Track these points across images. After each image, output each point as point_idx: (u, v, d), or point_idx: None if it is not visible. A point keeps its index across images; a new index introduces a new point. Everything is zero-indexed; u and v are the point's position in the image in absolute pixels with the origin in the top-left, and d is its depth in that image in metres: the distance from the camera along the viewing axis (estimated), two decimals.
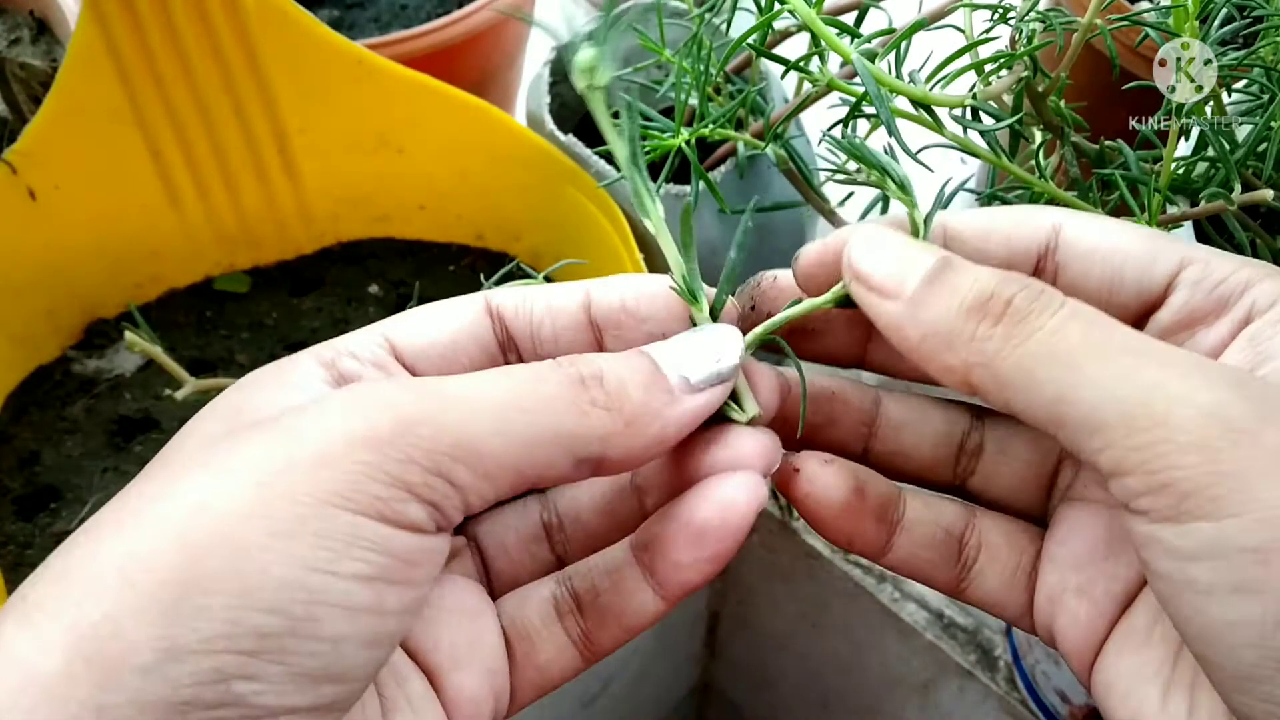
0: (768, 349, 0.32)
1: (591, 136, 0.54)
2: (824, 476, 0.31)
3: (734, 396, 0.30)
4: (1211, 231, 0.43)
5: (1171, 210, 0.40)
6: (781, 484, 0.31)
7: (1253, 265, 0.28)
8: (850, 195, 0.50)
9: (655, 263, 0.51)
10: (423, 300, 0.58)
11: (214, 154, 0.57)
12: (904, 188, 0.30)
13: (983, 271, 0.27)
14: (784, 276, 0.32)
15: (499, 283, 0.44)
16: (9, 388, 0.55)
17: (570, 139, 0.54)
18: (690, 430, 0.28)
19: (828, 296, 0.30)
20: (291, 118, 0.57)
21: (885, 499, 0.32)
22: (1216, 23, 0.39)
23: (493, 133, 0.57)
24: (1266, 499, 0.22)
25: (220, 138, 0.56)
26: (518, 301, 0.31)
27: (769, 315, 0.32)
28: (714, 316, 0.31)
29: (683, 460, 0.30)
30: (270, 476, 0.23)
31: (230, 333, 0.60)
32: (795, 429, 0.32)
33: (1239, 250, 0.41)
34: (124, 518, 0.24)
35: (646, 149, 0.42)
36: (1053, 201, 0.41)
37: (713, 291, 0.31)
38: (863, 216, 0.46)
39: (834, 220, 0.47)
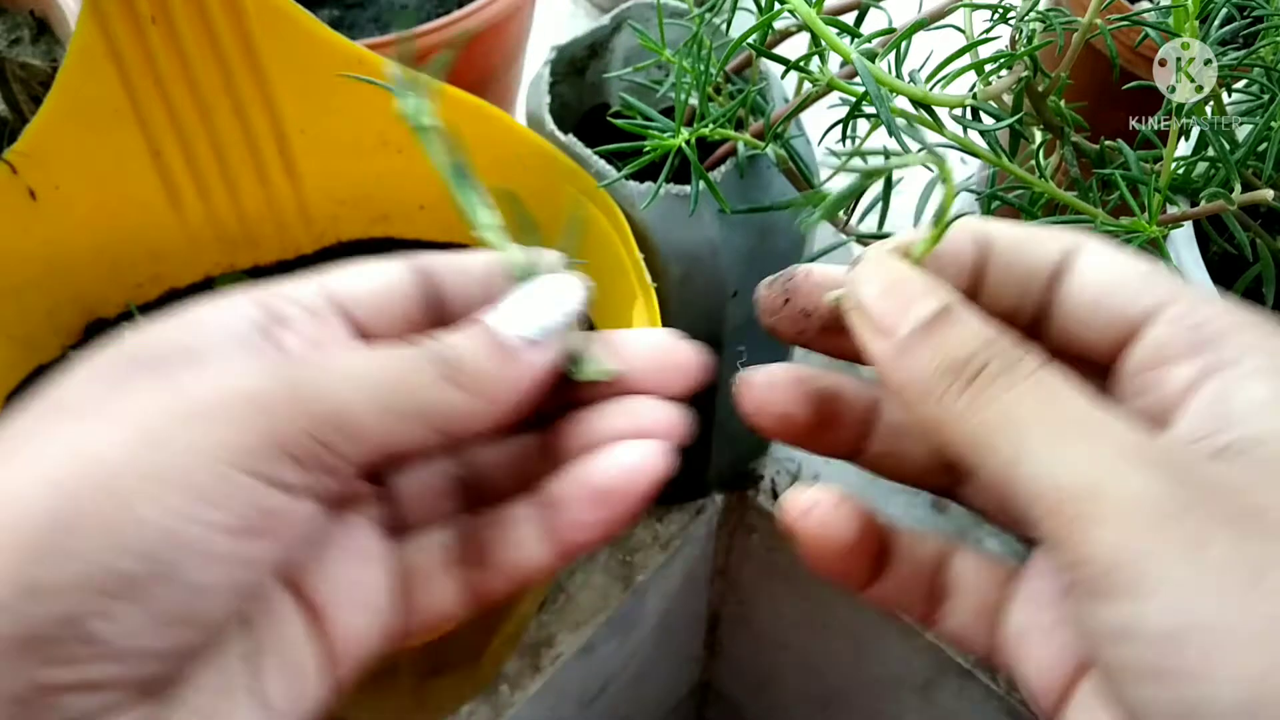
0: (779, 340, 0.32)
1: (591, 136, 0.54)
2: (838, 518, 0.31)
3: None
4: (1212, 232, 0.43)
5: (1171, 210, 0.40)
6: (791, 518, 0.31)
7: (1237, 314, 0.28)
8: None
9: (654, 263, 0.51)
10: None
11: (214, 154, 0.57)
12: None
13: (972, 331, 0.28)
14: (819, 270, 0.32)
15: None
16: (9, 388, 0.55)
17: (570, 139, 0.54)
18: (541, 379, 0.30)
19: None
20: (291, 118, 0.57)
21: (882, 541, 0.32)
22: (1216, 23, 0.39)
23: (493, 133, 0.57)
24: (1180, 579, 0.23)
25: (220, 138, 0.56)
26: (448, 260, 0.33)
27: (803, 311, 0.32)
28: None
29: (578, 427, 0.31)
30: (152, 425, 0.24)
31: None
32: (832, 436, 0.33)
33: (1239, 250, 0.41)
34: (3, 454, 0.24)
35: (647, 149, 0.43)
36: (1052, 202, 0.41)
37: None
38: (863, 217, 0.46)
39: (834, 220, 0.47)
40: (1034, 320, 0.31)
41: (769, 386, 0.32)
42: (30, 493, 0.23)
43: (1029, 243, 0.31)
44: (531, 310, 0.30)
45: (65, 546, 0.23)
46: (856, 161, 0.27)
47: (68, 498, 0.23)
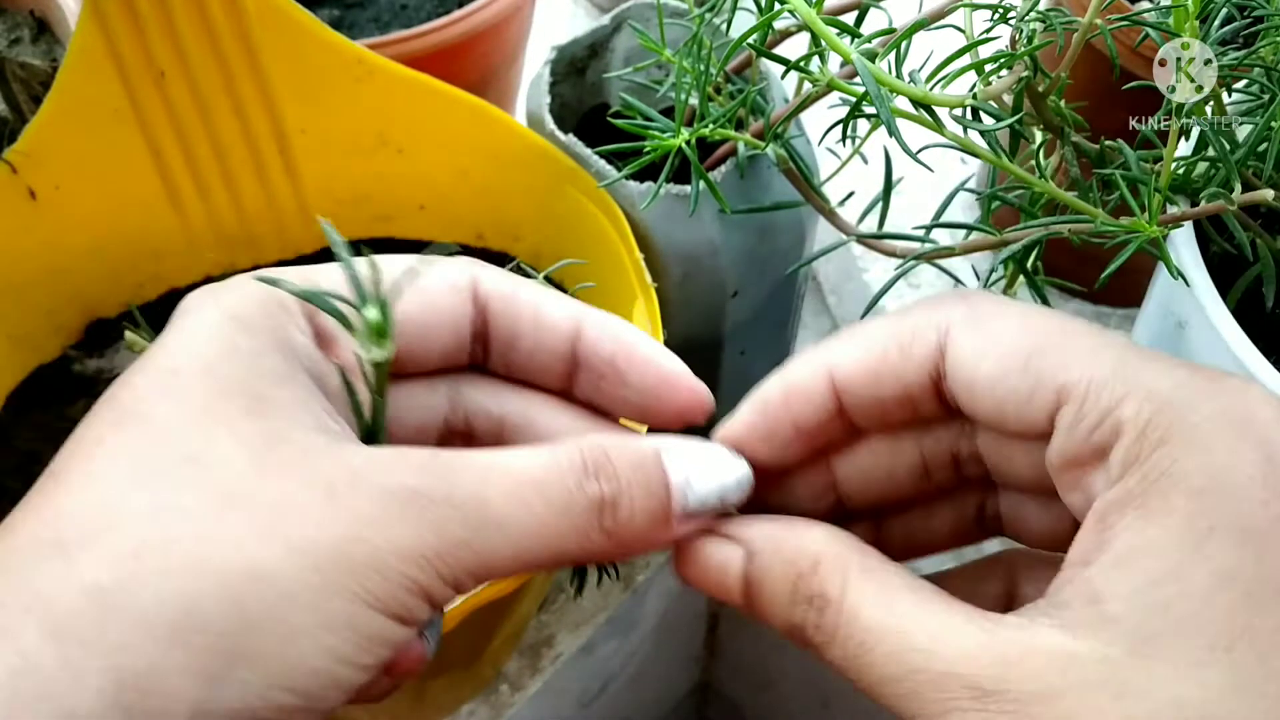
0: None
1: (591, 136, 0.54)
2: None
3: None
4: (1212, 232, 0.43)
5: (1172, 210, 0.40)
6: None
7: (1134, 397, 0.26)
8: (851, 195, 0.50)
9: (654, 263, 0.51)
10: None
11: (214, 154, 0.57)
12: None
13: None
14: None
15: None
16: (9, 388, 0.55)
17: (570, 139, 0.54)
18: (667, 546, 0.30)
19: None
20: (292, 118, 0.57)
21: None
22: (1216, 23, 0.39)
23: (493, 133, 0.57)
24: None
25: (220, 138, 0.56)
26: (506, 299, 0.32)
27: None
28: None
29: None
30: (327, 566, 0.25)
31: None
32: None
33: (1239, 250, 0.41)
34: (164, 544, 0.24)
35: (647, 149, 0.43)
36: (1052, 202, 0.41)
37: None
38: (863, 217, 0.46)
39: (834, 220, 0.47)
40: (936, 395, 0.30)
41: None
42: (214, 615, 0.24)
43: (888, 370, 0.30)
44: (706, 480, 0.29)
45: (241, 678, 0.24)
46: None
47: (250, 627, 0.24)
